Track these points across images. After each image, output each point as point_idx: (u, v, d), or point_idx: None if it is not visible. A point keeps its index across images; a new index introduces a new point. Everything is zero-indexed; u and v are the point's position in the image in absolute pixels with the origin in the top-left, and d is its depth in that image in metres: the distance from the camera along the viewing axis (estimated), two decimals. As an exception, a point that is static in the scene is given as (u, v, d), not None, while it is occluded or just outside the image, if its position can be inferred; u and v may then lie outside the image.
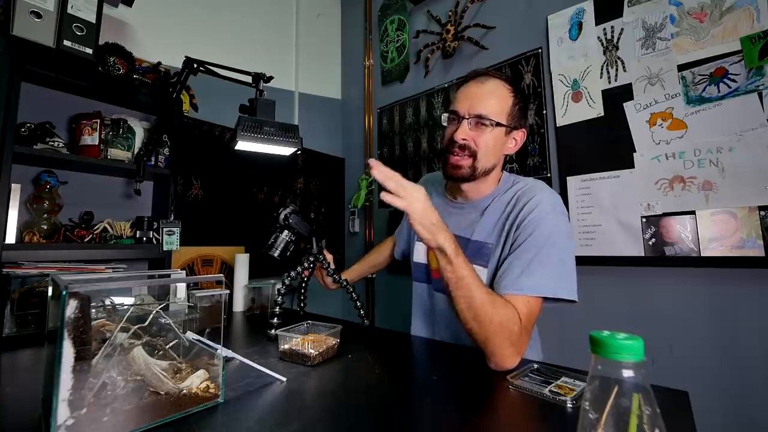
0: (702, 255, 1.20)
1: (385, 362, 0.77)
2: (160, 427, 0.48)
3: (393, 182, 0.65)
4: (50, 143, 1.15)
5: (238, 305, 1.32)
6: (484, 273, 0.83)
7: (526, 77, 1.64)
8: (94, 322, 0.54)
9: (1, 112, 1.00)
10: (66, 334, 0.42)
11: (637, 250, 1.31)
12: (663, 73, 1.29)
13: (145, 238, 1.31)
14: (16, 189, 1.07)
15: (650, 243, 1.29)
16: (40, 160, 1.17)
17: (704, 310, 1.21)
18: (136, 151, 1.34)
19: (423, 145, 2.04)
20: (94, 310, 0.58)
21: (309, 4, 2.35)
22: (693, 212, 1.22)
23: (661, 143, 1.28)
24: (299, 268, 1.02)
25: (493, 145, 0.83)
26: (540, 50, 1.60)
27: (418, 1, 2.07)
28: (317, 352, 0.74)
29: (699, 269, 1.21)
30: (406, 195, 0.65)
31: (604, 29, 1.42)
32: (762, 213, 1.11)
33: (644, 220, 1.30)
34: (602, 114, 1.41)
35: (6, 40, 0.98)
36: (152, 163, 1.36)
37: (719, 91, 1.19)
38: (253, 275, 1.43)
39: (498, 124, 0.82)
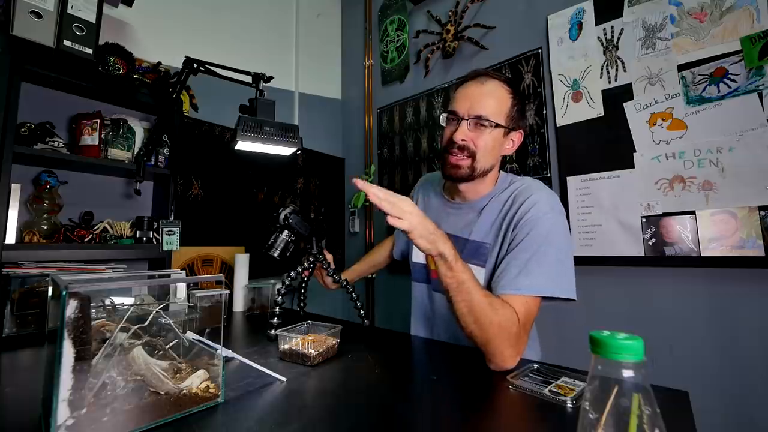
0: (702, 255, 1.20)
1: (385, 362, 0.77)
2: (160, 427, 0.48)
3: (387, 203, 0.66)
4: (50, 143, 1.15)
5: (238, 305, 1.32)
6: (481, 273, 0.83)
7: (526, 77, 1.63)
8: (94, 322, 0.54)
9: (1, 112, 1.00)
10: (66, 334, 0.42)
11: (637, 250, 1.31)
12: (663, 73, 1.29)
13: (145, 238, 1.31)
14: (16, 189, 1.07)
15: (650, 243, 1.29)
16: (40, 160, 1.17)
17: (704, 310, 1.21)
18: (136, 151, 1.34)
19: (423, 145, 2.04)
20: (94, 310, 0.58)
21: (309, 4, 2.35)
22: (693, 212, 1.22)
23: (661, 143, 1.28)
24: (299, 268, 1.02)
25: (492, 146, 0.83)
26: (540, 50, 1.60)
27: (418, 1, 2.07)
28: (317, 352, 0.74)
29: (699, 269, 1.21)
30: (403, 214, 0.67)
31: (604, 29, 1.42)
32: (762, 213, 1.11)
33: (644, 220, 1.30)
34: (602, 114, 1.41)
35: (6, 40, 0.98)
36: (152, 163, 1.36)
37: (719, 91, 1.19)
38: (253, 275, 1.43)
39: (497, 126, 0.82)
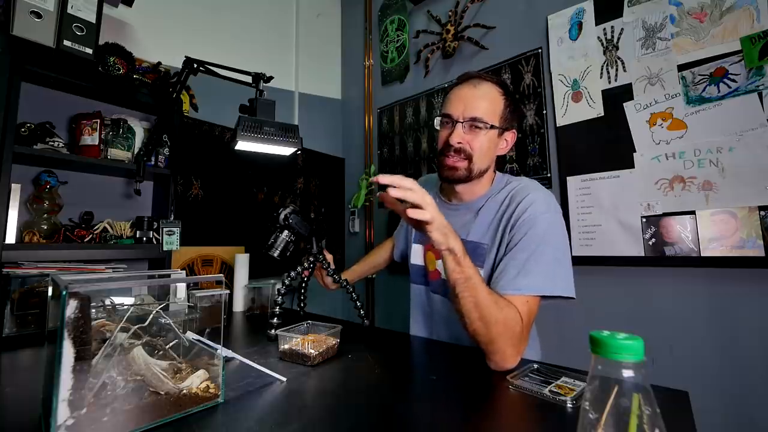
0: (702, 255, 1.20)
1: (385, 362, 0.77)
2: (160, 427, 0.48)
3: (415, 194, 0.63)
4: (50, 143, 1.15)
5: (238, 305, 1.32)
6: (480, 273, 0.83)
7: (526, 77, 1.64)
8: (94, 322, 0.54)
9: (1, 112, 1.00)
10: (66, 334, 0.42)
11: (637, 250, 1.31)
12: (663, 73, 1.29)
13: (145, 238, 1.31)
14: (16, 189, 1.07)
15: (650, 243, 1.29)
16: (40, 160, 1.17)
17: (704, 310, 1.21)
18: (136, 151, 1.34)
19: (423, 145, 2.04)
20: (94, 310, 0.58)
21: (309, 4, 2.35)
22: (693, 212, 1.22)
23: (661, 143, 1.28)
24: (299, 268, 1.02)
25: (487, 147, 0.84)
26: (540, 50, 1.60)
27: (418, 1, 2.07)
28: (317, 352, 0.74)
29: (699, 269, 1.21)
30: (427, 205, 0.64)
31: (604, 29, 1.42)
32: (762, 213, 1.11)
33: (644, 220, 1.30)
34: (602, 114, 1.41)
35: (6, 40, 0.98)
36: (152, 163, 1.36)
37: (719, 91, 1.19)
38: (253, 275, 1.43)
39: (492, 127, 0.83)
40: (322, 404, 0.58)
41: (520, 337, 0.69)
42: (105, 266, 1.21)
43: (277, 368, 0.68)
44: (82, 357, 0.43)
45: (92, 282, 0.47)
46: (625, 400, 0.29)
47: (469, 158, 0.83)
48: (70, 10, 1.05)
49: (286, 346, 0.77)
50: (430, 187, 1.06)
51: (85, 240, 1.20)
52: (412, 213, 0.63)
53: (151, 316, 0.57)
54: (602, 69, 1.42)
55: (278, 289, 0.96)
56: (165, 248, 1.31)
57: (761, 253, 1.10)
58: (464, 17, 1.84)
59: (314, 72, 2.36)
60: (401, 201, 0.65)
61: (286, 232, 1.03)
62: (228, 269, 1.73)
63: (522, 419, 0.54)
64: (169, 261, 1.34)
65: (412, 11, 2.14)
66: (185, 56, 1.06)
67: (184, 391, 0.52)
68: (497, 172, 0.94)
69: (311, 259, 1.05)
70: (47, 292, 0.59)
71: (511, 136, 0.89)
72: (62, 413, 0.41)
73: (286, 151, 1.05)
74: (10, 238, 1.05)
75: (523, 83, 1.64)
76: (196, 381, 0.54)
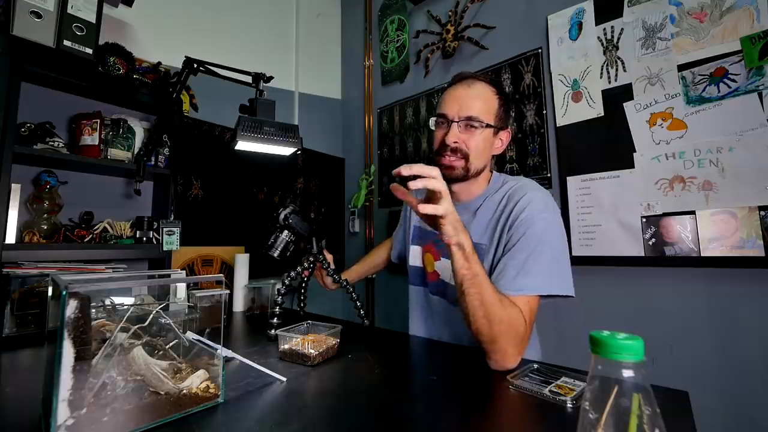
0: (702, 255, 1.20)
1: (385, 362, 0.77)
2: (160, 427, 0.48)
3: (437, 182, 0.61)
4: (50, 143, 1.15)
5: (238, 305, 1.32)
6: None
7: (526, 77, 1.64)
8: (94, 322, 0.54)
9: (1, 112, 1.00)
10: (66, 334, 0.42)
11: (637, 250, 1.31)
12: (663, 73, 1.29)
13: (145, 238, 1.31)
14: (16, 189, 1.07)
15: (650, 243, 1.29)
16: (40, 160, 1.17)
17: (704, 310, 1.21)
18: (136, 151, 1.34)
19: (423, 145, 2.04)
20: (94, 310, 0.58)
21: (309, 4, 2.35)
22: (693, 212, 1.22)
23: (661, 143, 1.28)
24: (299, 268, 1.02)
25: (483, 146, 0.84)
26: (540, 50, 1.60)
27: (418, 1, 2.07)
28: (317, 352, 0.73)
29: (699, 269, 1.21)
30: (445, 195, 0.62)
31: (604, 29, 1.42)
32: (762, 213, 1.11)
33: (644, 220, 1.30)
34: (602, 114, 1.41)
35: (6, 40, 0.98)
36: (152, 163, 1.36)
37: (719, 91, 1.19)
38: (253, 275, 1.43)
39: (487, 126, 0.83)
40: (322, 404, 0.58)
41: (522, 337, 0.69)
42: (105, 266, 1.21)
43: (277, 368, 0.68)
44: (82, 357, 0.43)
45: (92, 282, 0.47)
46: (625, 400, 0.29)
47: (465, 157, 0.83)
48: (70, 10, 1.05)
49: (286, 346, 0.77)
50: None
51: (85, 240, 1.20)
52: (425, 209, 0.61)
53: (151, 316, 0.57)
54: (602, 69, 1.42)
55: (278, 289, 0.96)
56: (165, 248, 1.31)
57: (761, 253, 1.10)
58: (464, 17, 1.84)
59: (314, 72, 2.36)
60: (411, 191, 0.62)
61: (286, 232, 1.03)
62: (228, 269, 1.73)
63: (522, 419, 0.54)
64: (169, 261, 1.34)
65: (412, 11, 2.14)
66: (185, 56, 1.06)
67: (184, 391, 0.52)
68: (493, 171, 0.94)
69: (311, 259, 1.05)
70: (47, 292, 0.59)
71: (506, 135, 0.90)
72: (62, 413, 0.41)
73: (286, 151, 1.05)
74: (10, 238, 1.05)
75: (523, 83, 1.64)
76: (196, 381, 0.54)
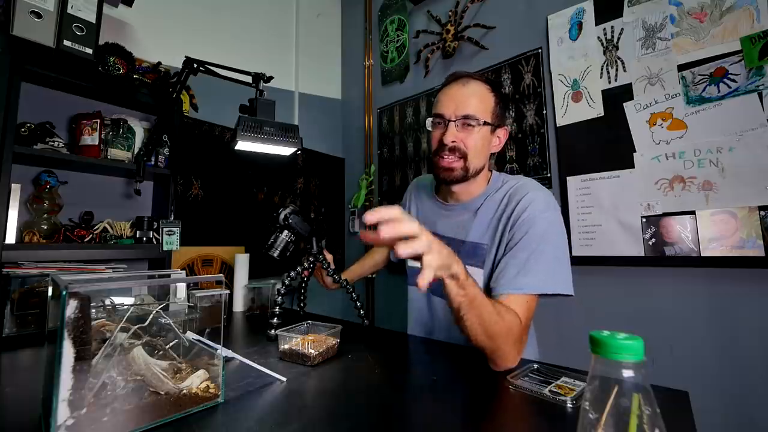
0: (702, 255, 1.20)
1: (385, 362, 0.77)
2: (160, 427, 0.48)
3: (403, 224, 0.54)
4: (50, 143, 1.15)
5: (238, 305, 1.32)
6: (480, 274, 0.83)
7: (526, 77, 1.63)
8: (94, 322, 0.54)
9: (1, 112, 1.00)
10: (66, 334, 0.42)
11: (637, 250, 1.31)
12: (663, 73, 1.29)
13: (145, 238, 1.31)
14: (16, 189, 1.07)
15: (650, 243, 1.29)
16: (40, 160, 1.17)
17: (704, 310, 1.21)
18: (136, 151, 1.34)
19: (423, 145, 2.04)
20: (94, 310, 0.58)
21: (309, 4, 2.35)
22: (693, 212, 1.22)
23: (661, 143, 1.28)
24: (299, 268, 1.02)
25: (481, 144, 0.84)
26: (540, 50, 1.60)
27: (418, 1, 2.07)
28: (317, 352, 0.73)
29: (699, 269, 1.21)
30: (421, 232, 0.55)
31: (604, 29, 1.42)
32: (762, 213, 1.11)
33: (644, 220, 1.30)
34: (602, 114, 1.41)
35: (6, 40, 0.98)
36: (152, 163, 1.36)
37: (719, 91, 1.19)
38: (253, 275, 1.43)
39: (485, 123, 0.83)
40: (322, 404, 0.58)
41: (520, 339, 0.69)
42: (105, 266, 1.21)
43: (277, 368, 0.68)
44: (82, 357, 0.43)
45: (92, 282, 0.47)
46: (625, 400, 0.29)
47: (464, 157, 0.83)
48: (70, 10, 1.05)
49: (286, 346, 0.77)
50: (425, 189, 1.05)
51: (85, 240, 1.20)
52: (404, 250, 0.54)
53: (151, 316, 0.57)
54: (602, 69, 1.42)
55: (278, 289, 0.96)
56: (165, 248, 1.31)
57: (761, 253, 1.10)
58: (464, 17, 1.84)
59: (314, 72, 2.36)
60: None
61: (286, 232, 1.03)
62: (228, 269, 1.73)
63: (522, 419, 0.54)
64: (169, 261, 1.34)
65: (412, 11, 2.14)
66: (185, 56, 1.06)
67: (184, 391, 0.52)
68: (493, 171, 0.94)
69: (311, 259, 1.05)
70: (47, 292, 0.59)
71: (503, 133, 0.89)
72: (62, 413, 0.41)
73: (286, 151, 1.05)
74: (10, 238, 1.05)
75: (523, 83, 1.64)
76: (196, 381, 0.54)
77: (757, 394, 1.11)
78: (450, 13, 1.88)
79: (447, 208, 0.95)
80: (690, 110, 1.24)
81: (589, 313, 1.38)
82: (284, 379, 0.65)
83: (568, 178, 1.48)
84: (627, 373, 0.29)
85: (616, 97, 1.38)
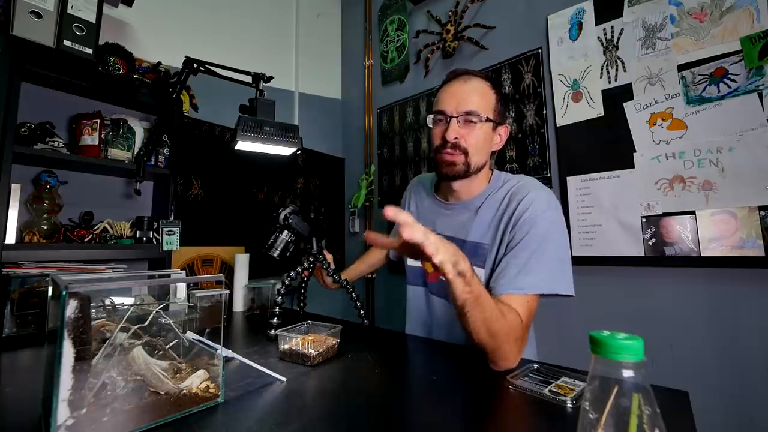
0: (702, 255, 1.20)
1: (385, 362, 0.77)
2: (160, 427, 0.48)
3: (413, 229, 0.54)
4: (50, 143, 1.15)
5: (238, 305, 1.32)
6: (481, 273, 0.83)
7: (526, 77, 1.63)
8: (94, 322, 0.54)
9: (1, 112, 1.00)
10: (66, 334, 0.42)
11: (637, 250, 1.31)
12: (663, 73, 1.29)
13: (145, 238, 1.31)
14: (16, 189, 1.07)
15: (650, 243, 1.29)
16: (40, 160, 1.17)
17: (704, 310, 1.21)
18: (136, 151, 1.34)
19: (423, 145, 2.04)
20: (94, 310, 0.58)
21: (309, 4, 2.35)
22: (693, 212, 1.22)
23: (661, 143, 1.28)
24: (299, 268, 1.02)
25: (483, 141, 0.84)
26: (540, 50, 1.60)
27: (418, 1, 2.07)
28: (317, 352, 0.73)
29: (699, 269, 1.21)
30: (430, 239, 0.55)
31: (604, 29, 1.42)
32: (762, 213, 1.11)
33: (644, 220, 1.30)
34: (602, 114, 1.41)
35: (6, 40, 0.98)
36: (152, 163, 1.36)
37: (719, 91, 1.19)
38: (253, 275, 1.43)
39: (487, 120, 0.83)
40: (322, 404, 0.58)
41: (521, 339, 0.69)
42: (105, 266, 1.21)
43: (277, 368, 0.68)
44: (82, 357, 0.43)
45: (92, 282, 0.47)
46: (625, 400, 0.29)
47: (465, 153, 0.83)
48: (70, 10, 1.05)
49: (286, 346, 0.77)
50: (425, 187, 1.05)
51: (85, 240, 1.20)
52: (410, 232, 0.53)
53: (151, 316, 0.57)
54: (602, 69, 1.42)
55: (278, 289, 0.96)
56: (165, 248, 1.31)
57: (761, 253, 1.10)
58: (464, 17, 1.84)
59: (314, 72, 2.36)
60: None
61: (286, 232, 1.03)
62: (228, 269, 1.73)
63: (522, 419, 0.54)
64: (169, 261, 1.34)
65: (412, 11, 2.14)
66: (185, 56, 1.06)
67: (184, 391, 0.52)
68: (494, 170, 0.94)
69: (311, 259, 1.05)
70: (47, 292, 0.59)
71: (504, 131, 0.89)
72: (62, 413, 0.41)
73: (286, 151, 1.05)
74: (10, 238, 1.05)
75: (523, 83, 1.64)
76: (196, 381, 0.54)
77: (757, 394, 1.11)
78: (450, 13, 1.89)
79: (447, 207, 0.95)
80: (690, 110, 1.24)
81: (589, 313, 1.38)
82: (284, 379, 0.65)
83: (568, 178, 1.48)
84: (627, 373, 0.29)
85: (616, 97, 1.38)
